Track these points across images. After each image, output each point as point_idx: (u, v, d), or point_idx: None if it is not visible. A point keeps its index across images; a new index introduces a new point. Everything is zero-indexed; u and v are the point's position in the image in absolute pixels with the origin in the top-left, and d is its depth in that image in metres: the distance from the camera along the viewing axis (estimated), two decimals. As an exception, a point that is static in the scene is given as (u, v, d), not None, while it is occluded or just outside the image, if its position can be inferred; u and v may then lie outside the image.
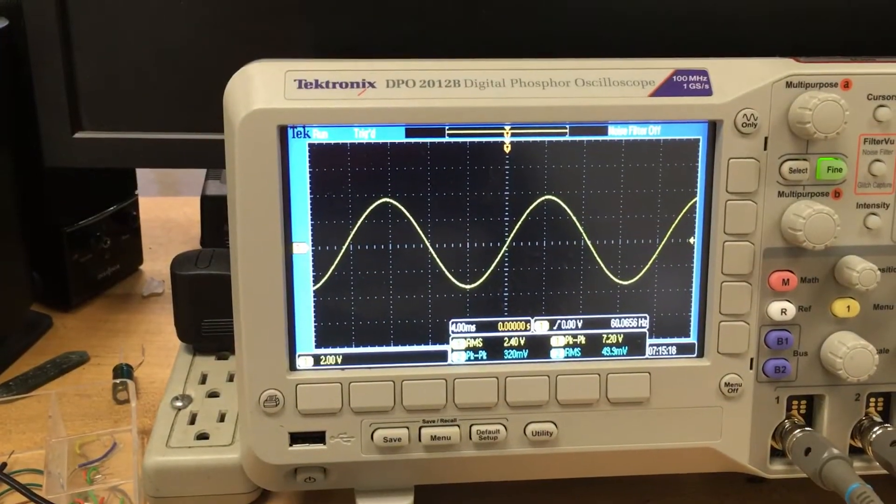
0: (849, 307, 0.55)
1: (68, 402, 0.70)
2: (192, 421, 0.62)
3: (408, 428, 0.55)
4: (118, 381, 0.71)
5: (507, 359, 0.56)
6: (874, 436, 0.57)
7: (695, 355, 0.57)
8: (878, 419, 0.58)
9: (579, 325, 0.56)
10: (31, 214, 0.77)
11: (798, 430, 0.56)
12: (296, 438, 0.55)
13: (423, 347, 0.55)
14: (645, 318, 0.56)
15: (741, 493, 0.62)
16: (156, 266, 0.92)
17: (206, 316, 0.69)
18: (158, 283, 0.89)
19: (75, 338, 0.80)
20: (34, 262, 0.79)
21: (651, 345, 0.57)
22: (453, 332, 0.55)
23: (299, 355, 0.55)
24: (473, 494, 0.60)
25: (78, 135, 0.68)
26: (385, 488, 0.57)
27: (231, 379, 0.67)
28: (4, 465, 0.62)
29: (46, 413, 0.66)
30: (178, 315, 0.70)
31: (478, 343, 0.56)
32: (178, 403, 0.64)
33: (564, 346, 0.56)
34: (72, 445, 0.64)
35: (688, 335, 0.57)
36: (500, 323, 0.56)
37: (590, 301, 0.56)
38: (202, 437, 0.61)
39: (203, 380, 0.67)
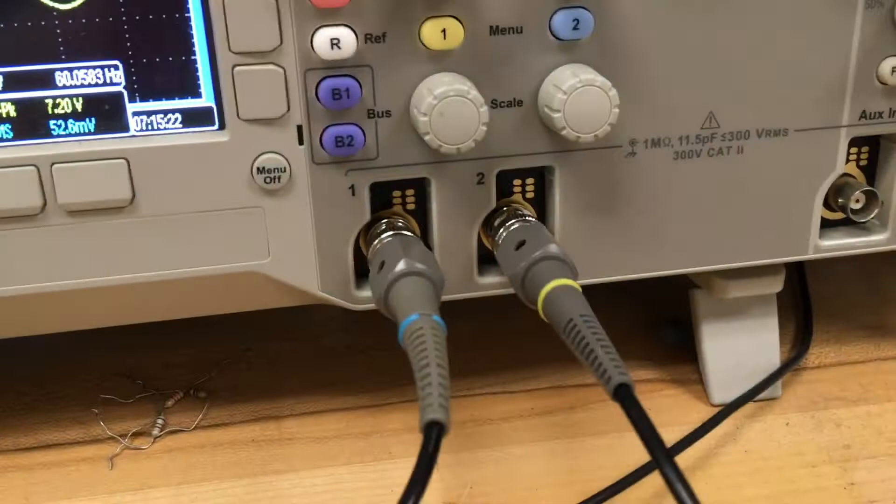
0: (445, 31, 0.38)
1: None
2: None
3: None
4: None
5: None
6: (502, 237, 0.41)
7: (213, 127, 0.39)
8: (525, 211, 0.43)
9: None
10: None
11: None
12: None
13: None
14: (117, 66, 0.38)
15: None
16: None
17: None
18: None
19: None
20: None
21: (135, 113, 0.38)
22: None
23: None
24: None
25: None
26: None
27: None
28: None
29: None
30: None
31: None
32: None
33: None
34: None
35: (198, 94, 0.38)
36: None
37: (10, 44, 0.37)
38: None
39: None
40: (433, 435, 0.30)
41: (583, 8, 0.38)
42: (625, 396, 0.32)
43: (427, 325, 0.34)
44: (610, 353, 0.33)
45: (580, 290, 0.37)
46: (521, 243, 0.39)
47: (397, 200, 0.42)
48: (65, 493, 0.43)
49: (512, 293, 0.41)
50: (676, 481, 0.30)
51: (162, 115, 0.38)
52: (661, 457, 0.31)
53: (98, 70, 0.37)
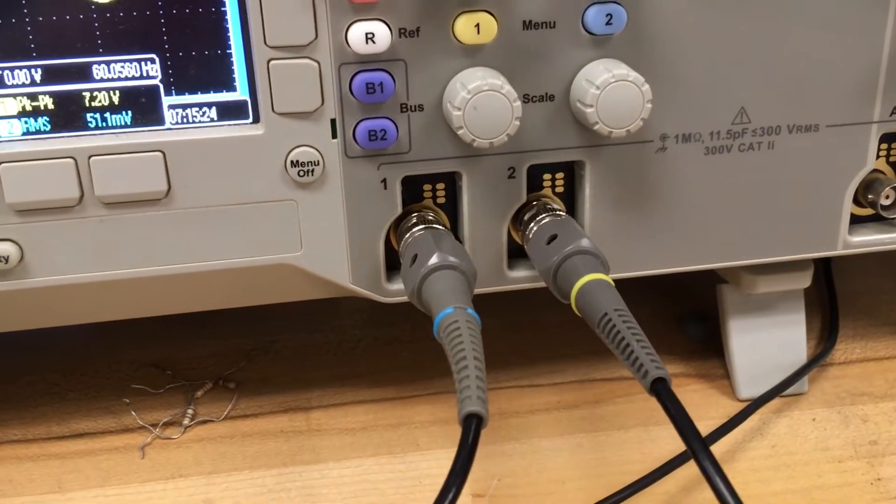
0: (479, 26, 0.38)
1: None
2: None
3: None
4: None
5: None
6: (532, 231, 0.41)
7: (248, 120, 0.39)
8: (555, 206, 0.43)
9: (36, 77, 0.37)
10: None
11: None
12: None
13: None
14: (153, 60, 0.38)
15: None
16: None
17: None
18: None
19: None
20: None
21: (171, 106, 0.38)
22: None
23: None
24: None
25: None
26: None
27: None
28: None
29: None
30: None
31: None
32: None
33: (16, 116, 0.38)
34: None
35: (232, 87, 0.39)
36: None
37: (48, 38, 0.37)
38: None
39: None
40: (472, 427, 0.31)
41: (616, 3, 0.38)
42: (661, 390, 0.33)
43: (462, 319, 0.34)
44: (646, 347, 0.34)
45: (613, 284, 0.37)
46: (553, 237, 0.39)
47: (428, 194, 0.42)
48: (97, 481, 0.44)
49: (538, 287, 0.41)
50: (715, 474, 0.30)
51: (197, 109, 0.38)
52: (699, 450, 0.31)
53: (134, 63, 0.37)
